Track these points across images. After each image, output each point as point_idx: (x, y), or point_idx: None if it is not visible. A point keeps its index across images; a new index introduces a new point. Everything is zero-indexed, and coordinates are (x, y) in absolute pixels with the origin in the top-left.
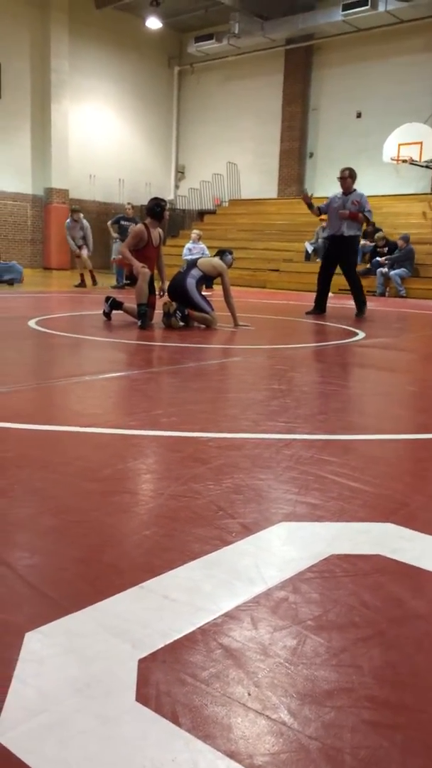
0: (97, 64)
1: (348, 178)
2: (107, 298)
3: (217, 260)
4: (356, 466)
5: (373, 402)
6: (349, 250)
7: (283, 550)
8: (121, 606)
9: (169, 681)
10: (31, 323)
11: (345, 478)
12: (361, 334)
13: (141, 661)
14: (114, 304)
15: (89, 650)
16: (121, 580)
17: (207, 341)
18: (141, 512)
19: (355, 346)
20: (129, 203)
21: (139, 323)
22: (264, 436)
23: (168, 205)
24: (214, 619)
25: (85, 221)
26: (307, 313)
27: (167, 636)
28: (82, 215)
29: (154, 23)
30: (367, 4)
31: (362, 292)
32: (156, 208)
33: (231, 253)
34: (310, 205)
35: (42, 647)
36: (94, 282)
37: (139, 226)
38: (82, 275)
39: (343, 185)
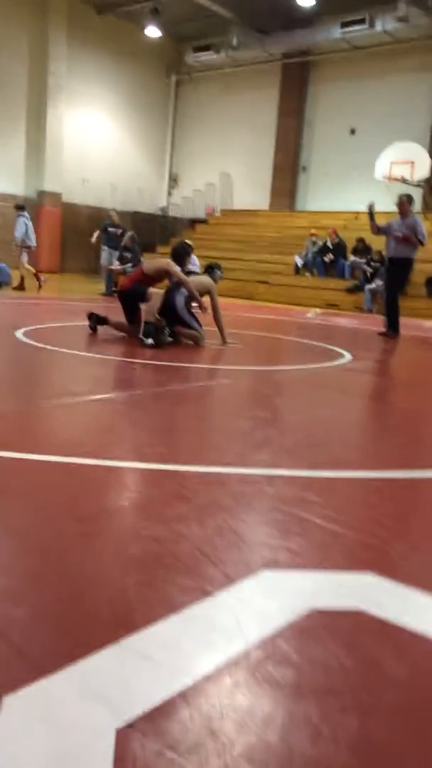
0: (94, 70)
1: (405, 203)
2: (90, 315)
3: (205, 278)
4: (338, 506)
5: (356, 433)
6: (399, 271)
7: (263, 603)
8: (100, 666)
9: (147, 755)
10: (18, 333)
11: (327, 521)
12: (347, 356)
13: (119, 732)
14: (98, 321)
15: (65, 717)
16: (101, 635)
17: (195, 361)
18: (122, 557)
19: (341, 370)
20: (113, 209)
21: (147, 341)
22: (248, 471)
23: (190, 247)
24: (194, 683)
25: (27, 218)
26: (380, 334)
27: (146, 702)
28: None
29: (153, 32)
30: (365, 23)
31: (394, 315)
32: (182, 251)
33: (219, 268)
34: (372, 217)
35: (17, 713)
36: (40, 285)
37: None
38: (22, 277)
39: (400, 210)
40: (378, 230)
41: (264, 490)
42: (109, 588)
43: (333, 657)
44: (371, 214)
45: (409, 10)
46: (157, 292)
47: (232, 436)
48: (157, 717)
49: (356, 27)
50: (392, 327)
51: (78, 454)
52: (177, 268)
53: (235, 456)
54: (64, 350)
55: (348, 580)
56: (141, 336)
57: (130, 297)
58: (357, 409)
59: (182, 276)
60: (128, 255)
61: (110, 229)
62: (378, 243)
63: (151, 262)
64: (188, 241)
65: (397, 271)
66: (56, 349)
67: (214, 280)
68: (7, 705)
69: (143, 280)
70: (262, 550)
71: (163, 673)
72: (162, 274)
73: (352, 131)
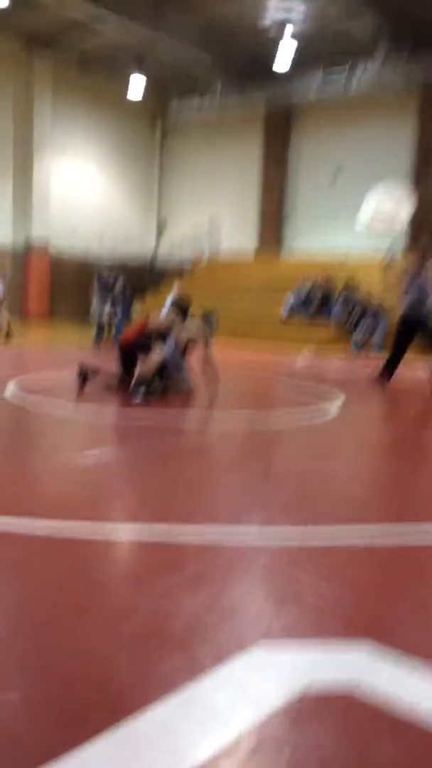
0: (79, 122)
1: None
2: (80, 367)
3: (200, 324)
4: (331, 572)
5: (347, 487)
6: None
7: (257, 684)
8: (96, 755)
9: None
10: (8, 386)
11: (320, 588)
12: (340, 399)
13: None
14: (87, 373)
15: None
16: (95, 724)
17: (185, 411)
18: (115, 635)
19: (332, 416)
20: (107, 261)
21: (138, 395)
22: (239, 534)
23: (189, 307)
24: None
25: None
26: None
27: None
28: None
29: (137, 85)
30: (343, 74)
31: (391, 362)
32: (188, 310)
33: (215, 314)
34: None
35: None
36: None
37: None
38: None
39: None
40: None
41: (256, 555)
42: (102, 669)
43: (326, 747)
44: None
45: (386, 62)
46: (156, 357)
47: (224, 494)
48: None
49: (336, 77)
50: (387, 372)
51: (67, 518)
52: (179, 328)
53: (227, 516)
54: (53, 403)
55: (341, 658)
56: (131, 392)
57: (129, 354)
58: (346, 457)
59: (181, 339)
60: (119, 303)
61: (104, 277)
62: (367, 285)
63: (157, 319)
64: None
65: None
66: (45, 401)
67: (210, 326)
68: None
69: (146, 335)
70: (255, 625)
71: (159, 762)
72: (164, 332)
73: (336, 176)
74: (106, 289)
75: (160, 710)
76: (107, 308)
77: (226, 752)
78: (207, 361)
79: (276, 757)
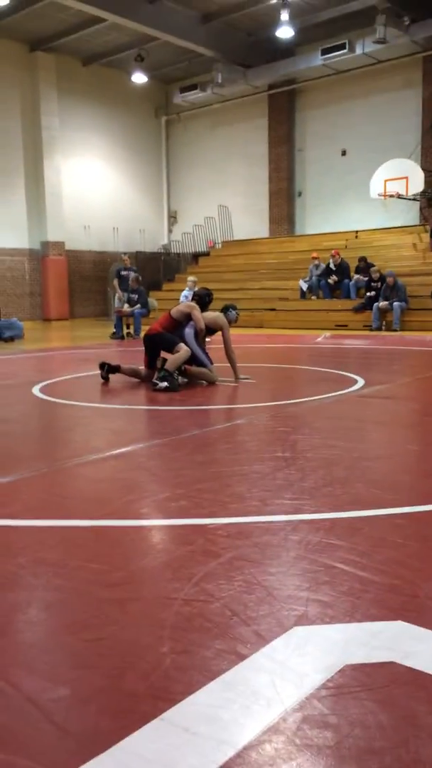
0: (86, 119)
1: None
2: (102, 365)
3: (219, 315)
4: (364, 550)
5: (376, 467)
6: None
7: (297, 662)
8: (143, 744)
9: None
10: (35, 390)
11: (354, 567)
12: (360, 382)
13: None
14: (110, 370)
15: None
16: (142, 711)
17: (209, 401)
18: (156, 624)
19: (355, 397)
20: (125, 254)
21: (160, 385)
22: (272, 519)
23: (208, 294)
24: (237, 753)
25: None
26: None
27: None
28: None
29: (139, 77)
30: (345, 48)
31: None
32: (206, 298)
33: (236, 309)
34: None
35: None
36: None
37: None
38: None
39: None
40: None
41: (289, 538)
42: (146, 660)
43: (370, 714)
44: None
45: (387, 31)
46: (186, 348)
47: (253, 481)
48: None
49: (337, 53)
50: None
51: (103, 516)
52: (198, 313)
53: (258, 503)
54: (81, 403)
55: (379, 628)
56: (155, 380)
57: (156, 342)
58: (374, 439)
59: (200, 321)
60: (134, 297)
61: (122, 272)
62: (380, 261)
63: (178, 306)
64: (209, 289)
65: None
66: (73, 403)
67: (229, 320)
68: None
69: (170, 324)
70: (292, 605)
71: (205, 747)
72: (185, 317)
73: (344, 153)
74: (125, 283)
75: (204, 695)
76: (125, 302)
77: (271, 732)
78: (227, 351)
79: (321, 732)
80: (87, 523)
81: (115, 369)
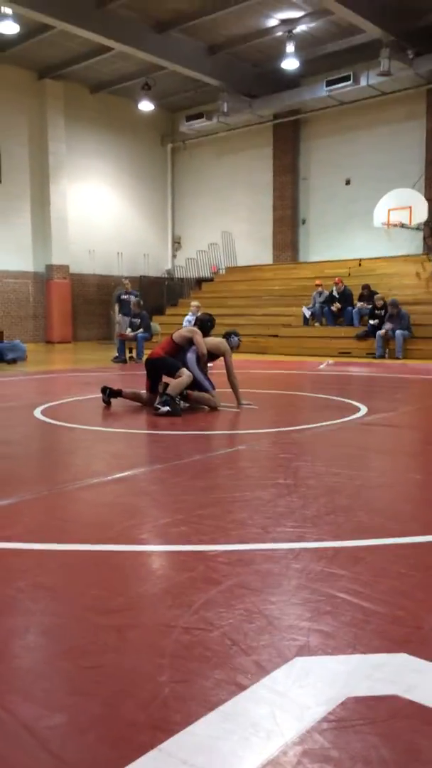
0: (93, 145)
1: None
2: (103, 390)
3: (221, 340)
4: (366, 580)
5: (378, 496)
6: None
7: (298, 694)
8: None
9: None
10: (37, 413)
11: (356, 597)
12: (363, 409)
13: None
14: (112, 394)
15: None
16: (140, 741)
17: (211, 427)
18: (155, 652)
19: (358, 425)
20: (125, 278)
21: (162, 409)
22: (273, 547)
23: (210, 320)
24: None
25: None
26: None
27: None
28: None
29: (146, 106)
30: (349, 80)
31: None
32: (208, 323)
33: (238, 335)
34: None
35: None
36: None
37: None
38: None
39: None
40: None
41: (290, 566)
42: (144, 688)
43: (372, 749)
44: None
45: (392, 63)
46: (188, 374)
47: (254, 508)
48: None
49: (341, 84)
50: None
51: (103, 541)
52: (200, 338)
53: (259, 530)
54: (83, 426)
55: (381, 661)
56: (157, 404)
57: (158, 367)
58: (376, 467)
59: (202, 345)
60: (137, 321)
61: (123, 296)
62: (383, 289)
63: (180, 331)
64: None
65: None
66: (74, 426)
67: (231, 346)
68: None
69: (172, 348)
70: (293, 635)
71: None
72: (187, 341)
73: (348, 182)
74: (127, 308)
75: (203, 726)
76: (127, 326)
77: (271, 765)
78: (229, 377)
79: (322, 766)
80: (87, 548)
81: (117, 393)
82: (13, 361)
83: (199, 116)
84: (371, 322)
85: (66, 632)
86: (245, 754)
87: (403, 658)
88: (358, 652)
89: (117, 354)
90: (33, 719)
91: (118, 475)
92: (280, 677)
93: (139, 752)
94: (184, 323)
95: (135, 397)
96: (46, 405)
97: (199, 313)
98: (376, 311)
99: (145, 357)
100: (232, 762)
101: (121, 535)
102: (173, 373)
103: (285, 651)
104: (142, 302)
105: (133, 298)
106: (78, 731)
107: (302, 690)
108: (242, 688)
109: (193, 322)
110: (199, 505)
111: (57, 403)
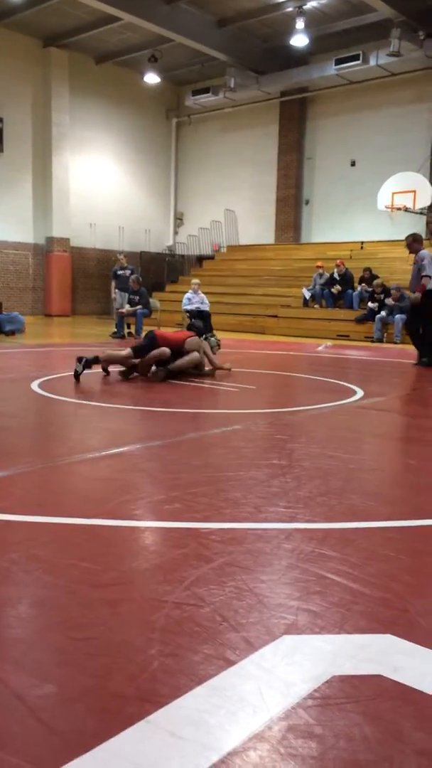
0: (97, 117)
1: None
2: (79, 358)
3: (199, 339)
4: (356, 562)
5: (372, 479)
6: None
7: (285, 671)
8: (127, 746)
9: None
10: (34, 386)
11: (345, 578)
12: (360, 393)
13: None
14: (87, 363)
15: None
16: (128, 712)
17: (207, 406)
18: (145, 626)
19: (354, 408)
20: (121, 253)
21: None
22: (265, 526)
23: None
24: (220, 759)
25: None
26: (416, 364)
27: None
28: None
29: (152, 78)
30: (358, 59)
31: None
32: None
33: (215, 337)
34: None
35: None
36: None
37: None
38: None
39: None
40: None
41: (281, 546)
42: (134, 662)
43: (355, 726)
44: None
45: (402, 44)
46: (197, 355)
47: (248, 487)
48: None
49: (350, 63)
50: (424, 356)
51: (97, 515)
52: (208, 348)
53: (252, 510)
54: (79, 401)
55: (367, 641)
56: (155, 372)
57: (174, 353)
58: (371, 451)
59: (210, 354)
60: (136, 298)
61: (119, 272)
62: (384, 273)
63: (197, 340)
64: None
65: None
66: (71, 400)
67: (211, 346)
68: None
69: (178, 348)
70: (282, 613)
71: (189, 751)
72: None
73: (353, 163)
74: (124, 283)
75: (190, 699)
76: (125, 303)
77: (256, 739)
78: (208, 357)
79: (306, 742)
80: (81, 522)
81: (94, 360)
82: (12, 333)
83: (205, 91)
84: (370, 305)
85: (58, 604)
86: (232, 727)
87: (388, 640)
88: (345, 632)
89: (115, 329)
90: (24, 688)
91: (113, 451)
92: (267, 654)
93: (127, 723)
94: (184, 300)
95: (115, 359)
96: (44, 378)
97: (200, 292)
98: (375, 295)
99: (147, 331)
100: (219, 735)
101: (115, 510)
102: (176, 359)
103: (273, 629)
104: (140, 279)
105: (130, 274)
106: (68, 701)
107: (289, 667)
108: (230, 663)
109: (193, 300)
110: (194, 482)
111: (55, 376)
